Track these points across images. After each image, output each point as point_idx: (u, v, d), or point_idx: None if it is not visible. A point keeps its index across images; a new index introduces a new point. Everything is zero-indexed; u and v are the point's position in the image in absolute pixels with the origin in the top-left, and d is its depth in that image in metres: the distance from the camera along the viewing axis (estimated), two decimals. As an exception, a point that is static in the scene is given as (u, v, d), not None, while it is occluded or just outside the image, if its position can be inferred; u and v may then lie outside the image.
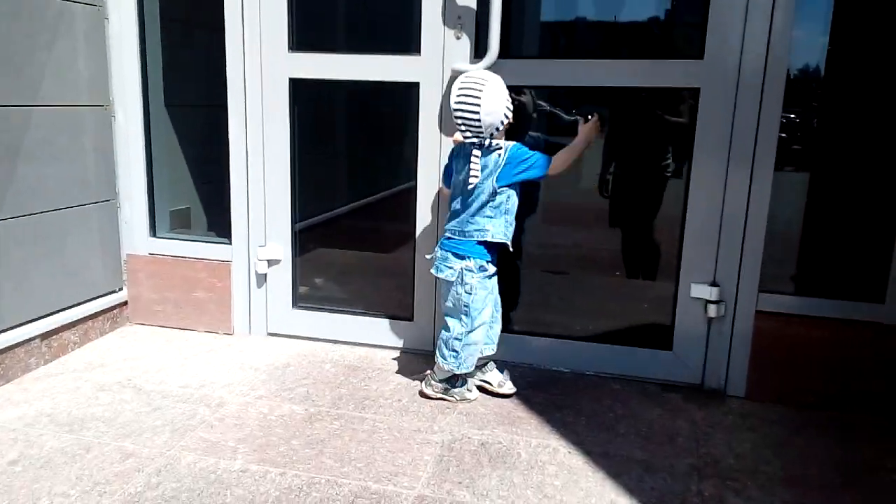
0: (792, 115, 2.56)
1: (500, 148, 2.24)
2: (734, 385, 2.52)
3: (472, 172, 2.22)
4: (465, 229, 2.30)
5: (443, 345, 2.36)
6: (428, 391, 2.41)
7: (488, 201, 2.26)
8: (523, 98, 2.67)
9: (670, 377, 2.59)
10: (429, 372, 2.44)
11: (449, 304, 2.35)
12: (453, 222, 2.33)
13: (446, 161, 2.46)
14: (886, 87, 2.46)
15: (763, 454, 2.14)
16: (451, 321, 2.35)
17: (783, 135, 2.39)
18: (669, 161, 2.80)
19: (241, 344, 2.87)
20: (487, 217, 2.27)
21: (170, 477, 1.90)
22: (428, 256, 2.42)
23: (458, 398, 2.39)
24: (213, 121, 2.91)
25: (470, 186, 2.24)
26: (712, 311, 2.49)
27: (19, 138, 2.47)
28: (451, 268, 2.31)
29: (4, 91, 2.40)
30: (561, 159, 2.28)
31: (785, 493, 1.93)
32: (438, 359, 2.36)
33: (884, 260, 2.41)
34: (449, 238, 2.33)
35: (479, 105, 2.17)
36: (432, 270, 2.37)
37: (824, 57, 2.59)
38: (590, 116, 2.42)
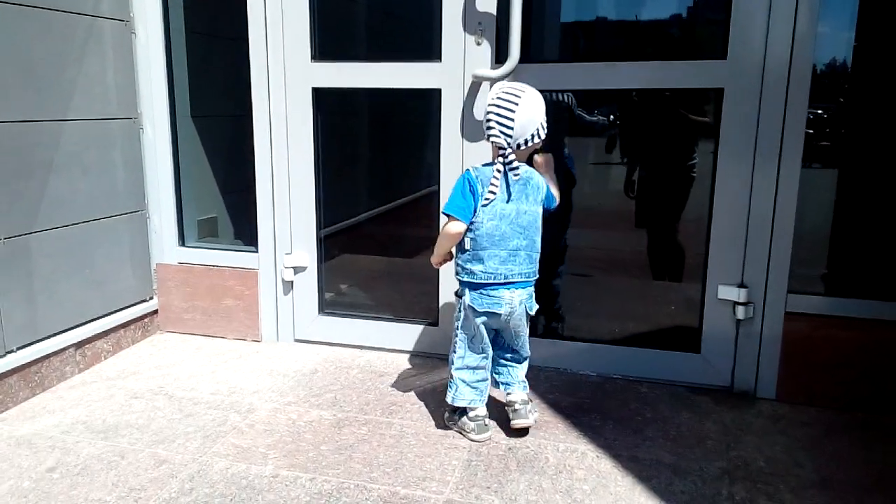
0: (819, 111, 2.53)
1: (526, 171, 2.09)
2: (764, 387, 2.49)
3: (490, 188, 2.04)
4: (535, 268, 2.15)
5: (524, 376, 2.27)
6: (532, 419, 2.21)
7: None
8: (565, 101, 2.66)
9: (699, 380, 2.57)
10: (518, 407, 2.20)
11: (526, 330, 2.21)
12: (522, 265, 2.10)
13: (465, 188, 2.08)
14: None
15: (794, 457, 2.11)
16: (526, 349, 2.26)
17: (810, 131, 2.37)
18: (696, 161, 2.79)
19: (270, 351, 2.91)
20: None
21: (203, 482, 1.93)
22: (507, 309, 2.11)
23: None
24: (237, 131, 2.95)
25: (484, 204, 2.05)
26: (741, 312, 2.47)
27: (51, 152, 2.53)
28: (532, 296, 2.18)
29: (37, 106, 2.46)
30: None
31: (817, 496, 1.91)
32: (524, 392, 2.24)
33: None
34: (522, 281, 2.12)
35: (516, 105, 2.01)
36: (529, 311, 2.16)
37: (851, 51, 2.56)
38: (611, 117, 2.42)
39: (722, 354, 2.54)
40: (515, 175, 2.06)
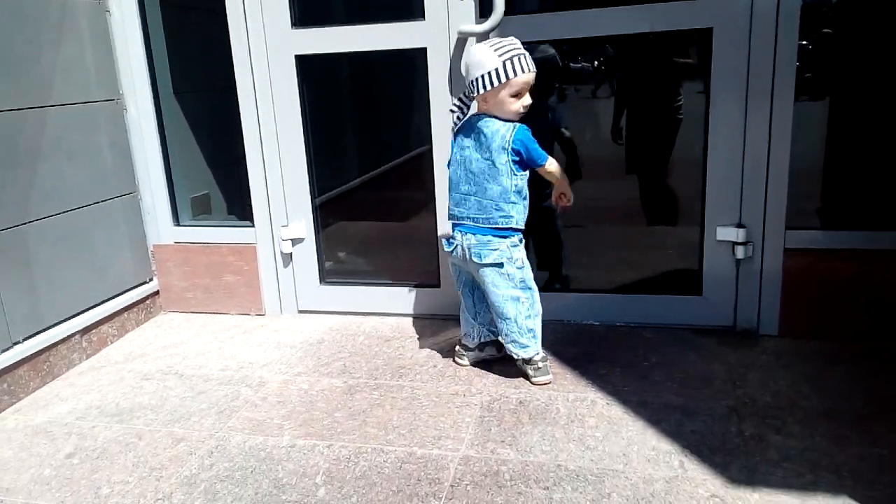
0: (804, 42, 2.50)
1: (475, 119, 2.17)
2: (767, 324, 2.52)
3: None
4: (490, 216, 2.16)
5: (515, 334, 2.23)
6: (540, 378, 2.27)
7: (512, 186, 2.15)
8: (548, 54, 2.64)
9: (702, 322, 2.59)
10: (521, 366, 2.30)
11: (501, 290, 2.20)
12: (471, 209, 2.18)
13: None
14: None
15: (800, 390, 2.15)
16: (510, 308, 2.21)
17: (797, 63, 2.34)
18: (681, 102, 2.77)
19: (274, 323, 2.92)
20: (513, 203, 2.16)
21: (222, 457, 1.96)
22: (448, 250, 2.26)
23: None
24: (222, 104, 2.90)
25: (471, 164, 2.16)
26: (740, 252, 2.48)
27: (36, 140, 2.49)
28: (496, 249, 2.17)
29: (17, 94, 2.42)
30: (553, 167, 2.24)
31: (824, 426, 1.94)
32: (517, 352, 2.25)
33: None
34: (472, 225, 2.19)
35: (468, 51, 2.15)
36: (475, 259, 2.18)
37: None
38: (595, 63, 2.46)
39: (723, 295, 2.56)
40: (457, 120, 2.22)
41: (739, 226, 2.47)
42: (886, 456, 1.81)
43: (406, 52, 2.65)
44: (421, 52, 2.59)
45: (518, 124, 2.16)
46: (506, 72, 2.07)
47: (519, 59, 2.08)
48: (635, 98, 2.93)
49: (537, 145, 2.17)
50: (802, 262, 2.44)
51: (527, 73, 2.10)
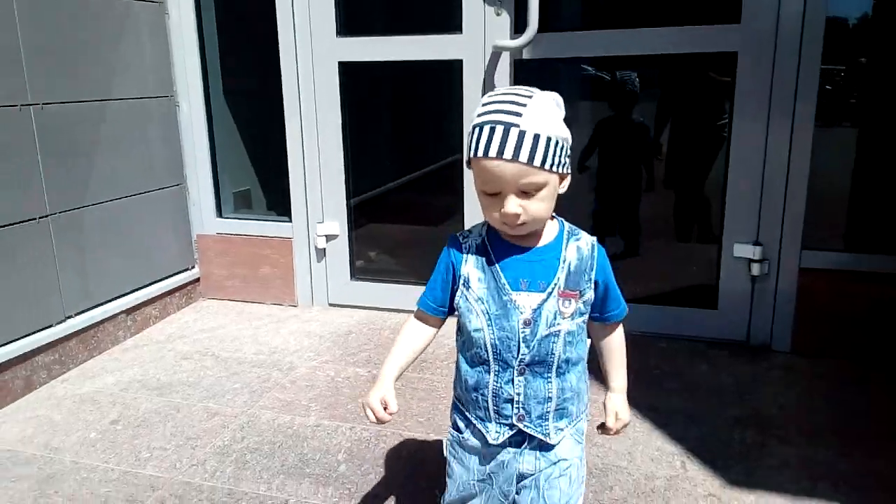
0: (840, 68, 2.57)
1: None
2: (779, 340, 2.59)
3: None
4: None
5: None
6: None
7: None
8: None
9: (716, 335, 2.67)
10: None
11: None
12: None
13: None
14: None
15: (806, 406, 2.22)
16: None
17: (828, 87, 2.41)
18: (726, 121, 2.84)
19: (305, 314, 3.07)
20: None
21: (252, 432, 2.11)
22: None
23: None
24: (268, 106, 3.07)
25: None
26: (756, 269, 2.56)
27: (96, 131, 2.69)
28: None
29: (80, 87, 2.61)
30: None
31: (827, 442, 2.01)
32: None
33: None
34: None
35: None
36: None
37: (871, 6, 2.60)
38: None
39: (738, 310, 2.63)
40: None
41: (756, 243, 2.55)
42: (885, 474, 1.87)
43: (443, 63, 2.79)
44: (457, 64, 2.73)
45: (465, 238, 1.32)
46: (469, 143, 1.19)
47: (492, 130, 1.13)
48: (679, 116, 3.00)
49: (433, 280, 1.37)
50: (816, 282, 2.51)
51: (495, 158, 1.12)
